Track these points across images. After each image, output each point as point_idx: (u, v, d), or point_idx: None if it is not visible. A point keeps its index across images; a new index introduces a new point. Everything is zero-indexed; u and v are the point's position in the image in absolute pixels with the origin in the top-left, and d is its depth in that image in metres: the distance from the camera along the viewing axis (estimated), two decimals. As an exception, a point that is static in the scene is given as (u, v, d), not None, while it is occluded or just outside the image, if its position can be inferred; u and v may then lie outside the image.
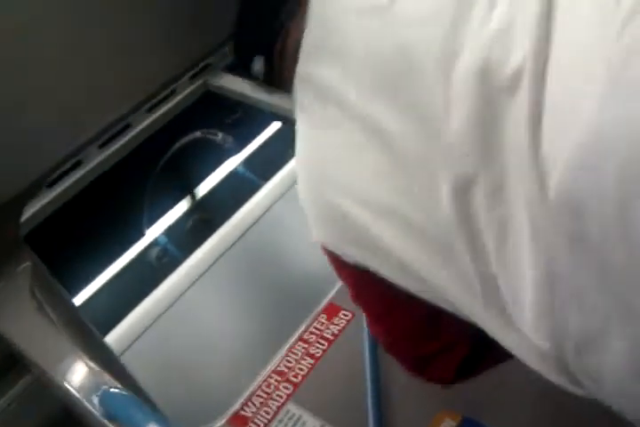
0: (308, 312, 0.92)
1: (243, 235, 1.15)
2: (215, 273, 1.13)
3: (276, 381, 0.91)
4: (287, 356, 0.94)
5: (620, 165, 0.39)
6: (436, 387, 0.64)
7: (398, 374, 0.79)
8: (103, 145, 0.85)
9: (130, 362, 0.86)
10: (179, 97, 0.92)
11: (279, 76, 0.68)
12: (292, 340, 0.95)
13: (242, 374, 0.95)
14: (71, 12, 0.68)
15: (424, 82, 0.50)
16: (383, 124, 0.52)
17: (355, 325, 0.89)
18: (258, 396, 0.90)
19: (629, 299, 0.40)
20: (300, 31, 0.60)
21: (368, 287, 0.60)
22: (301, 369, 0.92)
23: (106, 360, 0.78)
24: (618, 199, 0.39)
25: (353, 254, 0.57)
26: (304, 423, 0.86)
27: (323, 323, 0.92)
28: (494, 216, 0.47)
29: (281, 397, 0.90)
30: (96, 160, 0.86)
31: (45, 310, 0.71)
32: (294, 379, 0.91)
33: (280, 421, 0.87)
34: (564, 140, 0.43)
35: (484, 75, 0.47)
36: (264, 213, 1.22)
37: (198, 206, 1.23)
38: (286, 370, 0.92)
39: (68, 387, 0.60)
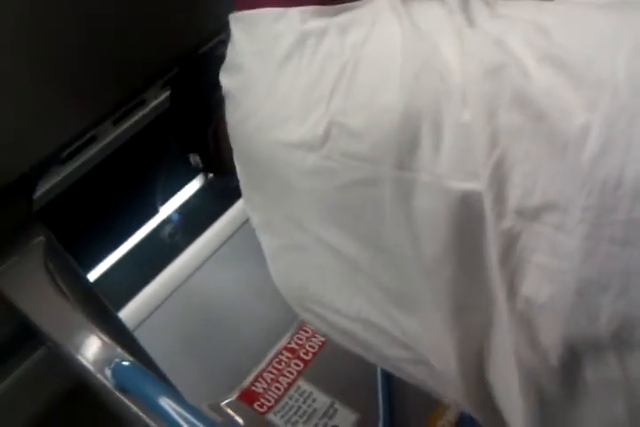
0: (319, 290, 0.92)
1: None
2: (228, 250, 1.13)
3: (287, 358, 0.92)
4: (298, 333, 0.94)
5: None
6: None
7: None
8: (117, 121, 0.85)
9: (142, 337, 0.87)
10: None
11: (219, 160, 0.65)
12: (304, 317, 0.95)
13: (253, 350, 0.96)
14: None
15: (383, 221, 0.47)
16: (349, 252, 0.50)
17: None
18: (269, 372, 0.91)
19: None
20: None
21: None
22: (312, 346, 0.92)
23: (119, 334, 0.79)
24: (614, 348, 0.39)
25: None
26: (314, 400, 0.87)
27: (334, 301, 0.92)
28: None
29: (292, 373, 0.90)
30: (110, 136, 0.86)
31: (59, 285, 0.71)
32: (305, 356, 0.92)
33: (290, 397, 0.88)
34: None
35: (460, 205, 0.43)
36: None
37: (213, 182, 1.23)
38: (297, 347, 0.93)
39: (81, 359, 0.60)
